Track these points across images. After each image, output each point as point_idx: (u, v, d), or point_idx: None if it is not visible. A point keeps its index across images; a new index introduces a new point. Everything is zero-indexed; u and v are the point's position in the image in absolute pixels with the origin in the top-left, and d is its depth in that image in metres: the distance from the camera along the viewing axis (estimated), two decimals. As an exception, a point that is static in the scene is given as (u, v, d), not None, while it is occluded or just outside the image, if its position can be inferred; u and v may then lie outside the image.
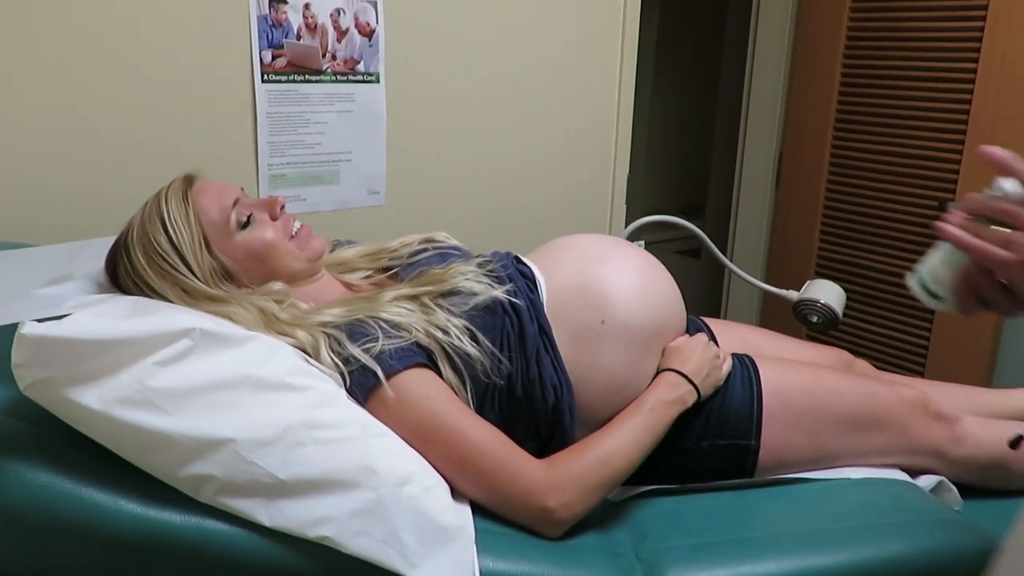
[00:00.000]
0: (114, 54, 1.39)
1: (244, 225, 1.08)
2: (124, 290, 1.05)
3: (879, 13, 2.13)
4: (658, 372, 1.13)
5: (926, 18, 2.03)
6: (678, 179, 3.65)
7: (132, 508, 0.86)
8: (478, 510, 0.97)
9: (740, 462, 1.15)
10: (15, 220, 1.36)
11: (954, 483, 1.21)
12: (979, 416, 1.28)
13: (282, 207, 1.12)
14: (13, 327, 0.83)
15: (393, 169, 1.74)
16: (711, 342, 1.20)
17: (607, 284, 1.12)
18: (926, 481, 1.20)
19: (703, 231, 1.65)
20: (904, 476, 1.19)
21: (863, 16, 2.16)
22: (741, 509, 1.10)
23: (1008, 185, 0.80)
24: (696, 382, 1.11)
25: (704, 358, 1.14)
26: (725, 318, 2.62)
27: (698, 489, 1.14)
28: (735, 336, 1.34)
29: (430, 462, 0.97)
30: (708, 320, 1.35)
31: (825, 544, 1.01)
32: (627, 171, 2.08)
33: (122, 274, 1.05)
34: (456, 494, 0.97)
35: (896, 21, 2.09)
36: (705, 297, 2.98)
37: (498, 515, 0.98)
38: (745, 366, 1.19)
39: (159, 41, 1.43)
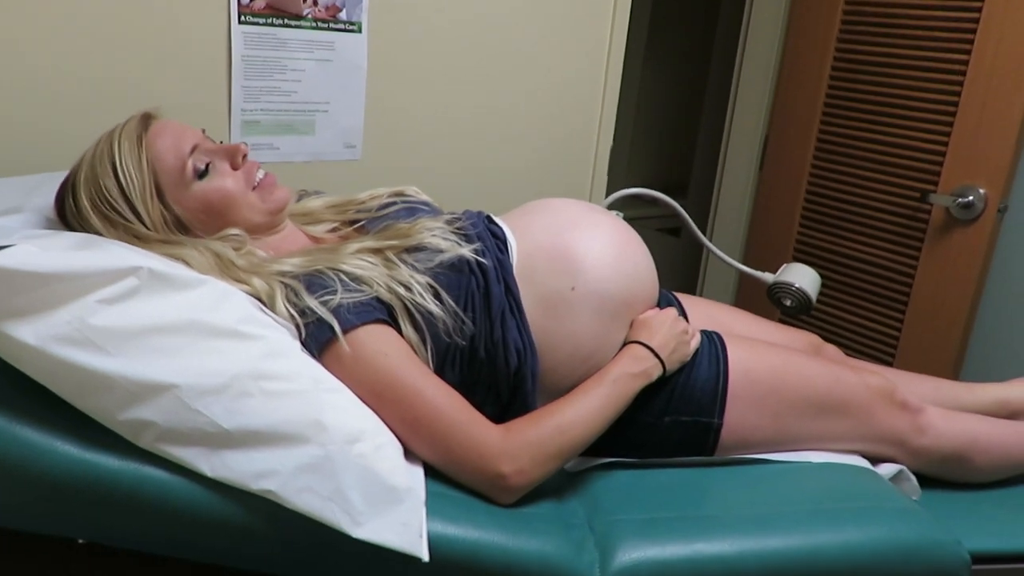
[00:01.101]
0: (83, -18, 1.33)
1: (202, 175, 1.03)
2: (71, 229, 1.01)
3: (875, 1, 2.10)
4: (625, 344, 1.11)
5: (922, 6, 2.00)
6: (663, 156, 3.61)
7: (67, 449, 0.83)
8: (431, 472, 0.95)
9: (702, 440, 1.13)
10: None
11: (914, 473, 1.21)
12: (944, 408, 1.27)
13: (244, 156, 1.06)
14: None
15: (371, 123, 1.69)
16: (680, 317, 1.18)
17: (580, 250, 1.09)
18: (886, 469, 1.19)
19: (685, 209, 1.63)
20: (865, 463, 1.18)
21: (858, 3, 2.13)
22: (699, 487, 1.09)
23: None
24: (662, 356, 1.09)
25: (672, 333, 1.12)
26: (701, 294, 2.61)
27: (657, 464, 1.12)
28: (705, 313, 1.32)
29: (384, 421, 0.95)
30: (680, 296, 1.33)
31: (780, 526, 1.00)
32: (611, 140, 2.05)
33: (68, 214, 1.01)
34: (409, 455, 0.95)
35: (892, 7, 2.06)
36: (682, 275, 2.97)
37: (451, 479, 0.96)
38: (713, 343, 1.17)
39: (131, -28, 1.37)
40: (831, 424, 1.18)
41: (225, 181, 1.04)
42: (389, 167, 1.73)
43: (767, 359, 1.18)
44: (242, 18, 1.49)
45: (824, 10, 2.20)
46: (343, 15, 1.60)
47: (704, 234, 1.77)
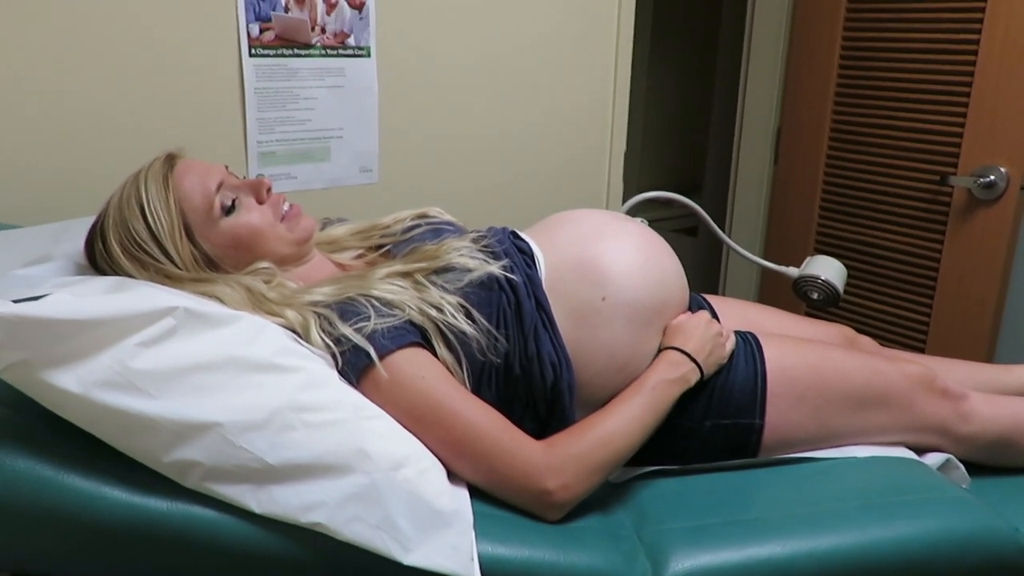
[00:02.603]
0: (96, 29, 1.35)
1: (229, 211, 1.03)
2: (102, 273, 1.01)
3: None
4: (660, 350, 1.10)
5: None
6: (675, 157, 3.60)
7: (116, 495, 0.82)
8: (476, 493, 0.95)
9: (744, 441, 1.12)
10: (-3, 201, 1.32)
11: (961, 461, 1.19)
12: (983, 392, 1.26)
13: (269, 190, 1.07)
14: (-10, 308, 0.79)
15: (386, 146, 1.70)
16: (713, 319, 1.17)
17: (608, 260, 1.09)
18: (933, 459, 1.17)
19: (701, 208, 1.62)
20: (911, 454, 1.17)
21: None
22: (745, 490, 1.08)
23: None
24: (699, 360, 1.08)
25: (707, 336, 1.11)
26: (724, 293, 2.60)
27: (701, 470, 1.11)
28: (737, 313, 1.31)
29: (425, 444, 0.94)
30: (710, 297, 1.32)
31: (830, 524, 0.98)
32: (624, 147, 2.05)
33: (99, 259, 1.01)
34: (453, 477, 0.95)
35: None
36: (703, 275, 2.96)
37: (496, 498, 0.95)
38: (748, 344, 1.16)
39: (142, 15, 1.38)
40: (873, 417, 1.16)
41: (252, 216, 1.05)
42: (406, 189, 1.74)
43: (804, 355, 1.16)
44: (252, 51, 1.50)
45: (828, 2, 2.19)
46: (351, 40, 1.61)
47: (723, 232, 1.76)
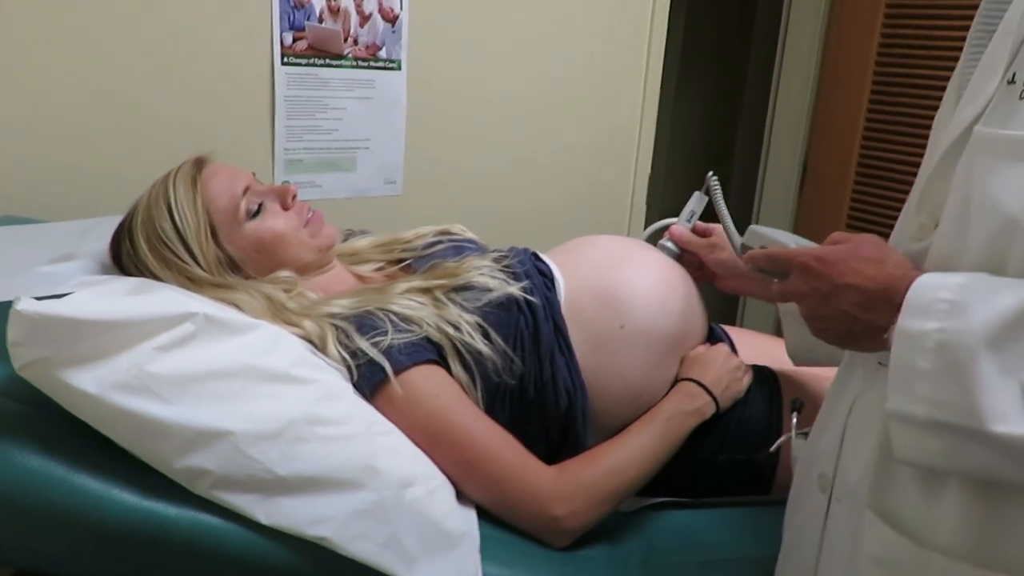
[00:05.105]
0: (134, 30, 1.36)
1: (254, 214, 1.04)
2: (127, 273, 1.02)
3: (912, 22, 2.07)
4: (676, 381, 1.09)
5: (961, 16, 1.97)
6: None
7: (125, 498, 0.82)
8: (483, 515, 0.94)
9: (757, 478, 1.10)
10: (26, 195, 1.34)
11: None
12: None
13: (294, 196, 1.08)
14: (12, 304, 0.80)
15: (411, 159, 1.70)
16: (732, 353, 1.16)
17: (628, 288, 1.08)
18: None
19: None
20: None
21: (896, 23, 2.11)
22: (757, 526, 1.06)
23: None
24: (715, 393, 1.07)
25: (724, 369, 1.10)
26: (741, 324, 2.58)
27: (713, 504, 1.10)
28: (756, 346, 1.29)
29: (436, 463, 0.94)
30: (729, 329, 1.30)
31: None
32: (648, 173, 2.04)
33: (125, 258, 1.02)
34: (461, 498, 0.94)
35: (931, 19, 2.04)
36: (721, 304, 2.94)
37: (504, 521, 0.94)
38: (766, 379, 1.15)
39: (180, 18, 1.40)
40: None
41: (276, 221, 1.05)
42: (429, 203, 1.74)
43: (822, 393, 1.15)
44: (285, 59, 1.52)
45: (861, 31, 2.18)
46: (383, 53, 1.62)
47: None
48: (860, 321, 0.68)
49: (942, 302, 0.62)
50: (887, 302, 0.66)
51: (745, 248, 0.93)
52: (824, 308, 0.71)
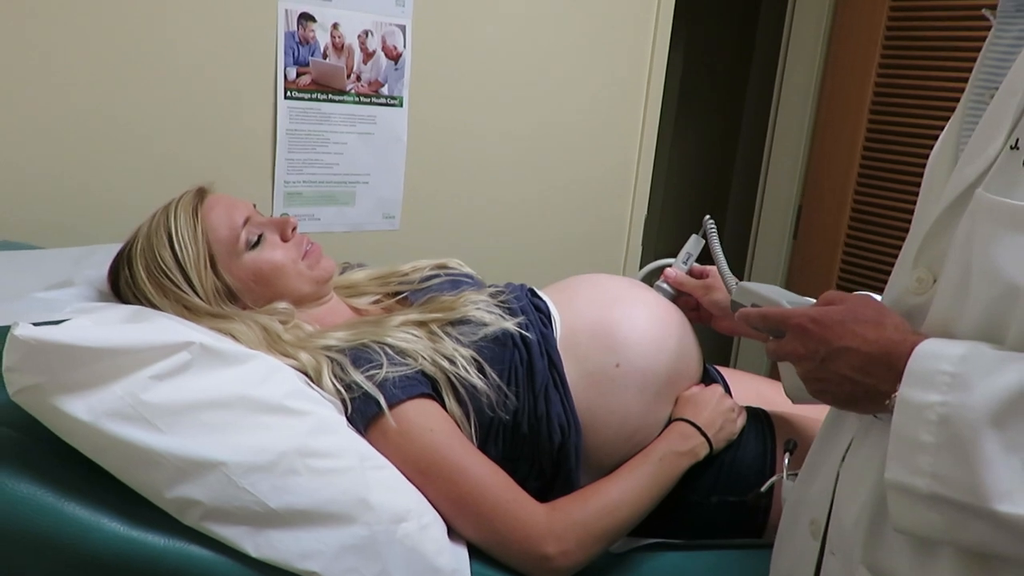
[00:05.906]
0: (138, 61, 1.38)
1: (254, 245, 1.05)
2: (124, 300, 1.02)
3: (908, 59, 2.11)
4: (670, 421, 1.09)
5: (959, 59, 2.00)
6: (694, 224, 3.62)
7: (114, 527, 0.81)
8: (475, 553, 0.93)
9: (750, 520, 1.10)
10: (25, 220, 1.34)
11: None
12: None
13: (294, 228, 1.09)
14: (8, 330, 0.80)
15: (410, 194, 1.72)
16: (727, 394, 1.16)
17: (625, 328, 1.08)
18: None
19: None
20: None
21: (890, 73, 2.15)
22: (749, 569, 1.05)
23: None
24: (709, 434, 1.07)
25: (719, 410, 1.10)
26: (735, 364, 2.58)
27: (705, 546, 1.09)
28: (750, 388, 1.30)
29: (428, 498, 0.93)
30: (723, 370, 1.31)
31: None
32: (645, 215, 2.06)
33: (123, 285, 1.02)
34: (453, 535, 0.93)
35: (925, 67, 2.07)
36: (714, 345, 2.94)
37: (495, 560, 0.94)
38: (759, 420, 1.15)
39: (185, 51, 1.42)
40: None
41: (275, 252, 1.06)
42: (427, 239, 1.75)
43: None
44: (288, 93, 1.54)
45: (856, 80, 2.22)
46: (385, 90, 1.64)
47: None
48: (861, 385, 0.68)
49: (943, 374, 0.62)
50: (888, 367, 0.66)
51: (736, 305, 0.93)
52: (822, 371, 0.70)
